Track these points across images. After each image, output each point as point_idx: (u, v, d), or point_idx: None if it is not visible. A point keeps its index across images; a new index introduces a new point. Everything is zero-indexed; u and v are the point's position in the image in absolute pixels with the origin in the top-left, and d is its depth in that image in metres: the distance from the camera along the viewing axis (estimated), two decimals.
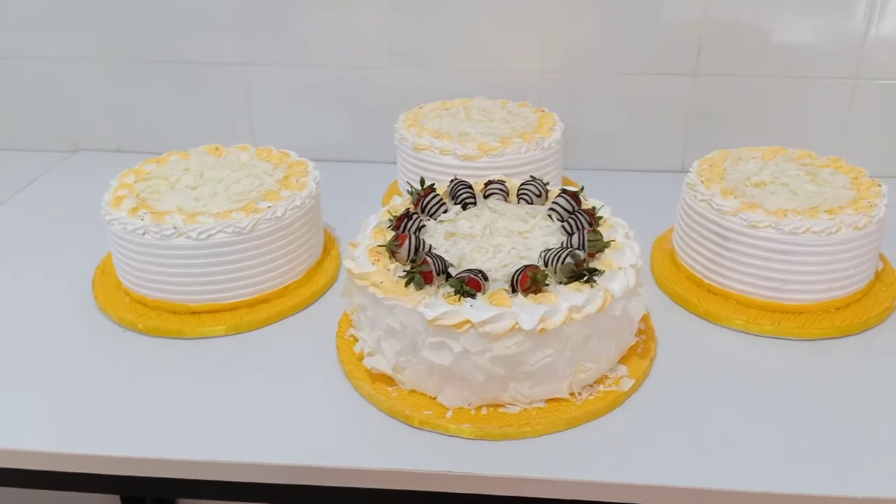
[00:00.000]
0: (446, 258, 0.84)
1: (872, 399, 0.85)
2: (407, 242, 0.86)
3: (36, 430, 0.82)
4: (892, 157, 1.34)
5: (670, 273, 1.05)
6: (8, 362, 0.92)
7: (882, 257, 1.05)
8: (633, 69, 1.33)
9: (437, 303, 0.79)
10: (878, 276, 1.02)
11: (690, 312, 1.00)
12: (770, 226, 0.93)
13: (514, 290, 0.81)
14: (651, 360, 0.90)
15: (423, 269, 0.81)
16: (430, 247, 0.87)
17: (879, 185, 1.00)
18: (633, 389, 0.86)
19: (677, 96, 1.34)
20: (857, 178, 1.02)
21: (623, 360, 0.89)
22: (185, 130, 1.46)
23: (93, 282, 1.05)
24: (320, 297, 1.04)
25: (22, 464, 0.82)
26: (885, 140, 1.33)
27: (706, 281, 1.01)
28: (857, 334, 0.95)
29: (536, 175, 1.01)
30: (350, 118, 1.42)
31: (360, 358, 0.88)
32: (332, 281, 1.06)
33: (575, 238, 0.88)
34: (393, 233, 0.89)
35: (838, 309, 0.97)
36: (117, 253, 0.99)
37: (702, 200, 0.99)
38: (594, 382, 0.86)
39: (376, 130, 1.38)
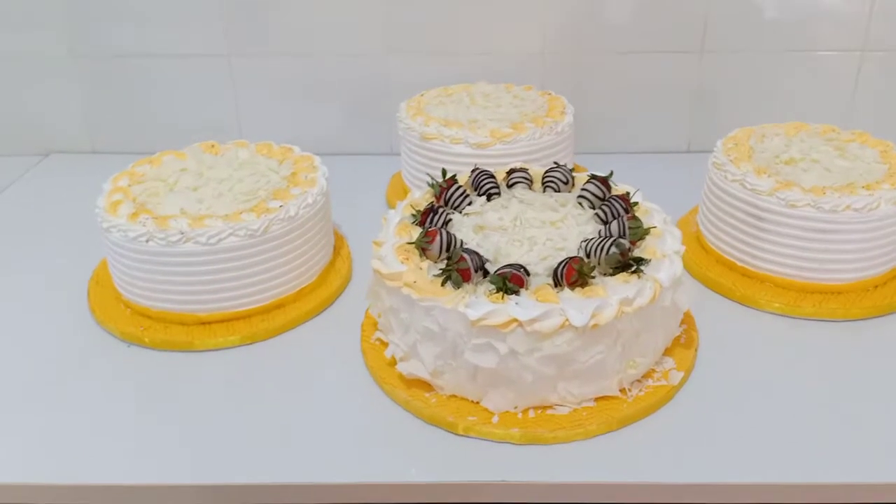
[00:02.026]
0: (481, 253, 0.79)
1: None
2: (438, 238, 0.80)
3: (37, 461, 0.75)
4: None
5: (698, 257, 1.02)
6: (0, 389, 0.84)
7: None
8: (635, 48, 1.29)
9: (479, 302, 0.74)
10: None
11: (726, 297, 0.96)
12: (809, 204, 0.89)
13: (557, 284, 0.76)
14: (696, 350, 0.86)
15: (461, 267, 0.76)
16: (462, 242, 0.82)
17: None
18: (682, 382, 0.82)
19: (682, 75, 1.30)
20: (885, 151, 1.00)
21: (668, 351, 0.85)
22: (166, 129, 1.38)
23: (87, 294, 0.97)
24: (336, 299, 0.98)
25: (27, 499, 0.74)
26: (892, 112, 1.31)
27: (739, 264, 0.97)
28: None
29: (551, 160, 0.96)
30: (343, 108, 1.35)
31: (392, 363, 0.83)
32: (347, 281, 1.00)
33: (614, 226, 0.83)
34: (419, 229, 0.83)
35: (877, 287, 0.94)
36: (116, 262, 0.91)
37: (733, 181, 0.95)
38: (643, 377, 0.81)
39: (372, 120, 1.32)
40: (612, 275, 0.77)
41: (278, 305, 0.93)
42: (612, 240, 0.79)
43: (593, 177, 0.91)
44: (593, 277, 0.77)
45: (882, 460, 0.73)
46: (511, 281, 0.75)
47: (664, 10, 1.26)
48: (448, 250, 0.80)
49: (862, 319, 0.91)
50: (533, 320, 0.72)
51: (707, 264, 1.00)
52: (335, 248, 1.04)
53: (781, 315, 0.92)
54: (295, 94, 1.35)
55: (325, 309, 0.96)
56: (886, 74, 1.29)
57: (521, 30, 1.29)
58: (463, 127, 1.08)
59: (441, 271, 0.77)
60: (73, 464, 0.75)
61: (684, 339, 0.87)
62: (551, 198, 0.90)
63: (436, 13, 1.28)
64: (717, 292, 0.97)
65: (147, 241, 0.86)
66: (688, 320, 0.90)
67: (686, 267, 1.01)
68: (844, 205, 0.89)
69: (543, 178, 0.94)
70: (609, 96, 1.33)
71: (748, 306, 0.94)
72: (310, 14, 1.28)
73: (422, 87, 1.23)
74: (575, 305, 0.73)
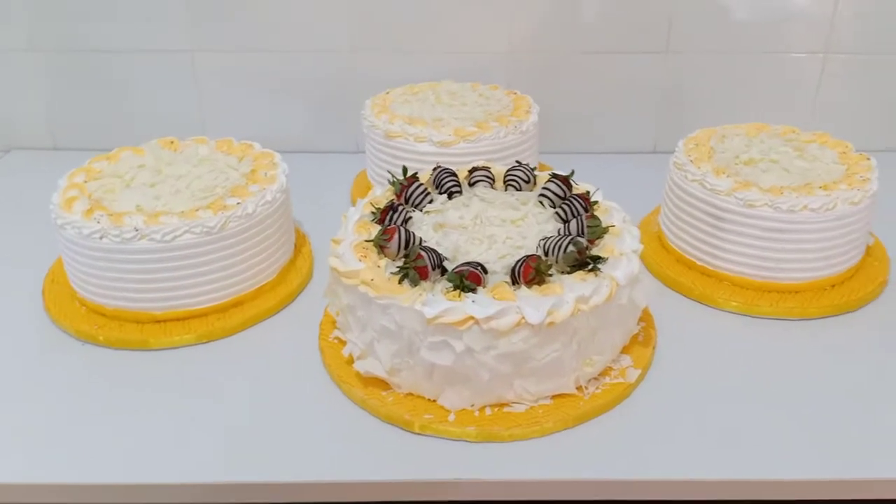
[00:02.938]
0: (439, 251, 0.79)
1: (879, 375, 0.83)
2: (397, 236, 0.79)
3: None
4: (862, 130, 1.33)
5: (659, 256, 1.02)
6: None
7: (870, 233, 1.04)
8: (602, 48, 1.29)
9: (435, 300, 0.73)
10: (868, 251, 1.01)
11: (685, 296, 0.97)
12: (766, 204, 0.90)
13: (515, 283, 0.76)
14: (653, 347, 0.87)
15: (418, 265, 0.76)
16: (421, 240, 0.81)
17: (868, 159, 0.98)
18: (639, 380, 0.83)
19: (648, 75, 1.31)
20: (844, 152, 1.01)
21: (626, 349, 0.85)
22: (129, 125, 1.36)
23: (42, 293, 0.96)
24: (296, 297, 0.97)
25: None
26: (854, 113, 1.33)
27: (699, 263, 0.98)
28: (854, 311, 0.93)
29: (514, 160, 0.96)
30: (309, 106, 1.34)
31: (349, 362, 0.82)
32: (307, 280, 1.00)
33: (573, 224, 0.83)
34: (378, 227, 0.83)
35: (833, 286, 0.95)
36: (70, 260, 0.90)
37: (693, 180, 0.96)
38: (599, 375, 0.82)
39: (338, 118, 1.31)
40: (569, 273, 0.77)
41: (236, 304, 0.92)
42: (569, 238, 0.79)
43: (554, 176, 0.91)
44: (550, 275, 0.77)
45: (835, 457, 0.74)
46: (468, 279, 0.75)
47: (630, 11, 1.26)
48: (406, 248, 0.80)
49: (818, 318, 0.92)
50: (489, 318, 0.72)
51: (667, 263, 1.00)
52: (297, 245, 1.03)
53: (739, 314, 0.93)
54: (260, 91, 1.33)
55: (285, 307, 0.95)
56: (848, 76, 1.31)
57: (488, 29, 1.28)
58: (427, 125, 1.08)
59: (398, 269, 0.76)
60: (22, 462, 0.73)
61: (642, 337, 0.87)
62: (512, 196, 0.90)
63: (403, 11, 1.27)
64: (677, 291, 0.98)
65: (101, 237, 0.85)
66: (646, 318, 0.90)
67: (647, 266, 1.02)
68: (801, 205, 0.89)
69: (505, 177, 0.94)
70: (576, 96, 1.33)
71: (707, 305, 0.95)
72: (276, 10, 1.27)
73: (389, 85, 1.23)
74: (531, 303, 0.73)
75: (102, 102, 1.36)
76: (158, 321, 0.89)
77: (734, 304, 0.93)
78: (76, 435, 0.76)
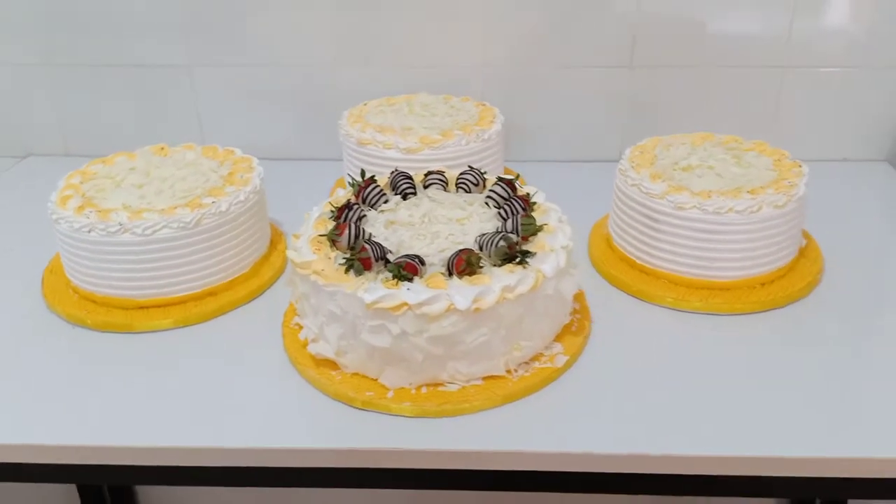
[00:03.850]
0: (385, 245, 0.87)
1: (791, 367, 0.90)
2: (347, 231, 0.88)
3: None
4: (820, 141, 1.40)
5: (606, 256, 1.10)
6: None
7: (806, 234, 1.10)
8: (571, 63, 1.38)
9: (375, 287, 0.82)
10: (802, 252, 1.07)
11: (625, 293, 1.04)
12: (695, 207, 0.97)
13: (450, 274, 0.84)
14: (585, 337, 0.94)
15: (362, 256, 0.84)
16: (370, 235, 0.90)
17: (800, 166, 1.05)
18: (568, 365, 0.90)
19: (615, 88, 1.39)
20: (779, 160, 1.07)
21: (558, 338, 0.92)
22: (134, 133, 1.47)
23: (42, 281, 1.06)
24: (267, 289, 1.06)
25: None
26: (812, 125, 1.39)
27: (638, 262, 1.05)
28: (781, 308, 1.00)
29: (478, 166, 1.04)
30: (296, 117, 1.45)
31: (305, 345, 0.91)
32: (279, 273, 1.09)
33: (509, 223, 0.91)
34: (334, 223, 0.92)
35: (763, 284, 1.01)
36: (65, 251, 1.00)
37: (632, 185, 1.03)
38: (530, 360, 0.89)
39: (322, 128, 1.40)
40: (500, 265, 0.86)
41: (210, 293, 1.01)
42: (501, 235, 0.87)
43: (500, 179, 1.00)
44: (482, 267, 0.85)
45: (745, 435, 0.80)
46: (405, 269, 0.83)
47: (596, 27, 1.34)
48: (356, 242, 0.89)
49: (745, 314, 0.99)
50: (421, 304, 0.80)
51: (612, 262, 1.08)
52: (272, 242, 1.13)
53: (672, 308, 1.00)
54: (253, 102, 1.44)
55: (256, 297, 1.04)
56: (807, 88, 1.37)
57: (462, 45, 1.37)
58: (395, 133, 1.17)
59: (345, 260, 0.85)
60: (18, 426, 0.84)
61: (575, 328, 0.95)
62: (461, 198, 0.99)
63: (383, 29, 1.37)
64: (617, 288, 1.05)
65: (89, 231, 0.95)
66: (583, 311, 0.98)
67: (594, 265, 1.10)
68: (727, 207, 0.96)
69: (457, 181, 1.02)
70: (546, 108, 1.41)
71: (643, 300, 1.02)
72: (266, 29, 1.38)
73: (369, 97, 1.32)
74: (461, 291, 0.81)
75: (109, 113, 1.47)
76: (141, 307, 0.99)
77: (668, 299, 1.00)
78: (64, 403, 0.87)
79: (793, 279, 1.03)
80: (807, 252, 1.08)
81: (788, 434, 0.80)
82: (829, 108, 1.39)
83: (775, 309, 1.00)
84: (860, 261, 1.10)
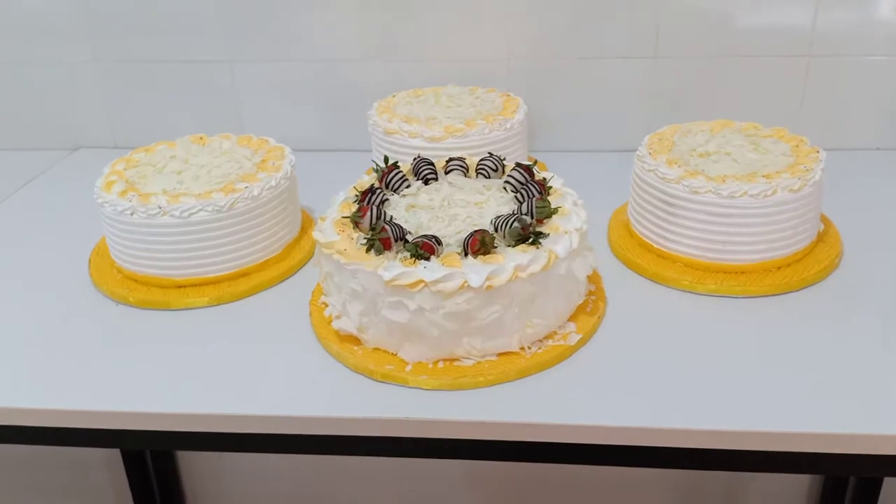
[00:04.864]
0: (405, 227, 0.92)
1: (807, 348, 0.91)
2: (369, 213, 0.93)
3: (39, 390, 0.91)
4: (846, 129, 1.40)
5: (624, 241, 1.12)
6: (11, 334, 1.01)
7: (825, 219, 1.11)
8: (595, 54, 1.40)
9: (394, 266, 0.86)
10: (820, 236, 1.08)
11: (641, 276, 1.06)
12: (710, 191, 0.99)
13: (465, 254, 0.88)
14: (599, 318, 0.97)
15: (382, 236, 0.89)
16: (391, 217, 0.95)
17: (818, 152, 1.06)
18: (581, 343, 0.93)
19: (639, 78, 1.41)
20: (797, 146, 1.08)
21: (572, 318, 0.96)
22: (178, 126, 1.52)
23: (89, 262, 1.14)
24: (297, 270, 1.12)
25: (28, 421, 0.91)
26: (838, 114, 1.39)
27: (655, 246, 1.07)
28: (796, 291, 1.01)
29: (501, 155, 1.08)
30: (329, 109, 1.51)
31: (330, 321, 0.96)
32: (309, 256, 1.14)
33: (525, 206, 0.95)
34: (357, 206, 0.97)
35: (779, 268, 1.03)
36: (109, 233, 1.07)
37: (649, 171, 1.06)
38: (544, 338, 0.92)
39: (354, 120, 1.45)
40: (514, 246, 0.89)
41: (244, 274, 1.07)
42: (516, 217, 0.91)
43: (518, 165, 1.03)
44: (496, 248, 0.89)
45: (747, 411, 0.82)
46: (422, 248, 0.87)
47: (619, 19, 1.37)
48: (377, 223, 0.93)
49: (760, 297, 1.00)
50: (437, 281, 0.84)
51: (630, 247, 1.10)
52: (303, 227, 1.18)
53: (687, 291, 1.02)
54: (288, 96, 1.50)
55: (287, 278, 1.10)
56: (832, 77, 1.37)
57: (488, 39, 1.41)
58: (421, 123, 1.22)
59: (366, 240, 0.90)
60: (66, 393, 0.90)
61: (590, 308, 0.98)
62: (480, 183, 1.02)
63: (411, 25, 1.42)
64: (634, 271, 1.07)
65: (132, 214, 1.02)
66: (599, 293, 1.01)
67: (613, 251, 1.13)
68: (742, 191, 0.98)
69: (477, 167, 1.06)
70: (571, 98, 1.44)
71: (659, 283, 1.04)
72: (301, 26, 1.44)
73: (398, 90, 1.37)
74: (475, 270, 0.85)
75: (155, 106, 1.55)
76: (179, 286, 1.05)
77: (684, 282, 1.03)
78: (108, 373, 0.93)
79: (809, 263, 1.04)
80: (825, 237, 1.09)
81: (791, 410, 0.82)
82: (855, 97, 1.39)
83: (790, 292, 1.01)
84: (881, 248, 1.10)
